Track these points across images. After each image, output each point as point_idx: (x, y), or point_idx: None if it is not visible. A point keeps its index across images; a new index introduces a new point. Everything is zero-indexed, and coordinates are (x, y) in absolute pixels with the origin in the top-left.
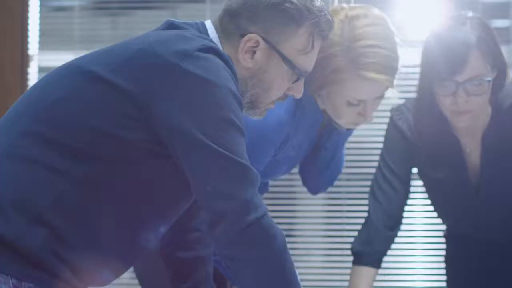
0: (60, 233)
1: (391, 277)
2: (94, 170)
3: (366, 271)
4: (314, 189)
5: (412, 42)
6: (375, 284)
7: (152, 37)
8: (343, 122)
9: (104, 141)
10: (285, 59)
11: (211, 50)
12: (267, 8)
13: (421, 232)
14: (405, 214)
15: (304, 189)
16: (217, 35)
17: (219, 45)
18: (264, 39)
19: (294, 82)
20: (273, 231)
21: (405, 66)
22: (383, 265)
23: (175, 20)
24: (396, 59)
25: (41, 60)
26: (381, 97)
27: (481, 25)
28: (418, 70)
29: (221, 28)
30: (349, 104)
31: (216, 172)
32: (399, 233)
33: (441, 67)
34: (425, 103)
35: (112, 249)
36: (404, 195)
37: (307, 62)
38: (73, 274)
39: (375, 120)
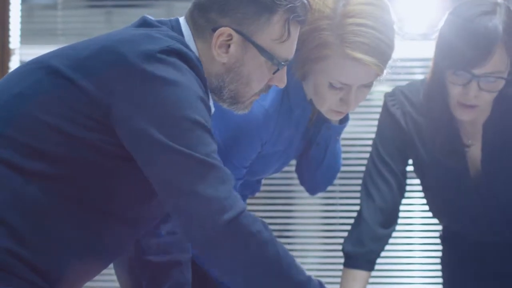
0: (18, 232)
1: (388, 280)
2: (52, 169)
3: (358, 274)
4: (311, 189)
5: (411, 35)
6: (369, 287)
7: (117, 35)
8: (325, 108)
9: (61, 140)
10: (261, 50)
11: (174, 52)
12: None
13: (420, 233)
14: (402, 214)
15: (300, 188)
16: (190, 32)
17: (191, 42)
18: (237, 31)
19: (274, 72)
20: (255, 228)
21: (401, 60)
22: (379, 267)
23: (150, 17)
24: (389, 45)
25: (23, 54)
26: (368, 86)
27: (510, 16)
28: (414, 64)
29: (192, 23)
30: (331, 86)
31: (180, 172)
32: (397, 234)
33: (460, 56)
34: (435, 90)
35: (76, 250)
36: (400, 189)
37: (286, 51)
38: (36, 274)
39: (371, 116)
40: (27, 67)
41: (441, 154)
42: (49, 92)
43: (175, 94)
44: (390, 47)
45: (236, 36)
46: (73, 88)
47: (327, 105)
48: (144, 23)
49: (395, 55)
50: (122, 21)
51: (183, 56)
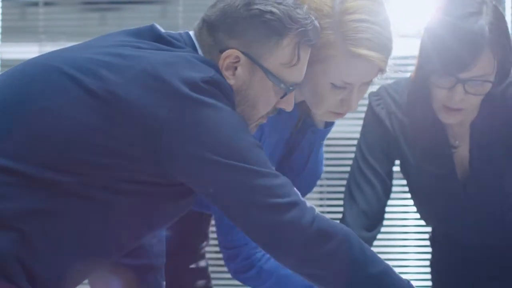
0: (29, 240)
1: None
2: (68, 182)
3: None
4: None
5: (404, 33)
6: None
7: (153, 57)
8: (323, 111)
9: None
10: (269, 74)
11: (216, 83)
12: (247, 21)
13: (414, 235)
14: (397, 216)
15: None
16: (201, 51)
17: None
18: (245, 54)
19: (282, 97)
20: (333, 225)
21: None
22: None
23: (161, 29)
24: (390, 39)
25: (3, 52)
26: (369, 83)
27: (497, 16)
28: (408, 62)
29: (200, 41)
30: (334, 87)
31: (251, 188)
32: (391, 236)
33: (445, 60)
34: (418, 92)
35: (77, 260)
36: (385, 192)
37: (295, 75)
38: (29, 284)
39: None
40: (49, 76)
41: (425, 161)
42: (87, 114)
43: (226, 118)
44: (391, 41)
45: (243, 59)
46: (115, 115)
47: (326, 107)
48: (161, 39)
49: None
50: (100, 17)
51: (223, 89)
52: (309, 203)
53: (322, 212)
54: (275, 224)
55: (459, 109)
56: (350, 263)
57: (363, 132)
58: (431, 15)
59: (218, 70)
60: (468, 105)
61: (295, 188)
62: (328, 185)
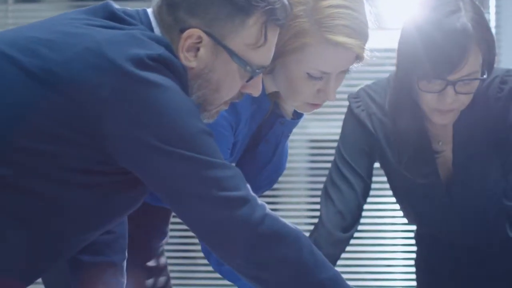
0: None
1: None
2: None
3: None
4: (254, 189)
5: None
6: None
7: (98, 34)
8: (299, 102)
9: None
10: (234, 55)
11: (163, 60)
12: None
13: (402, 234)
14: (379, 214)
15: (286, 186)
16: (159, 30)
17: None
18: (207, 33)
19: (248, 80)
20: (283, 225)
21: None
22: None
23: (115, 6)
24: (367, 25)
25: None
26: (346, 71)
27: (476, 10)
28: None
29: (159, 19)
30: (310, 77)
31: (197, 178)
32: (373, 234)
33: (432, 65)
34: (402, 100)
35: (21, 260)
36: (362, 193)
37: (262, 57)
38: None
39: None
40: None
41: (411, 170)
42: (24, 98)
43: (174, 100)
44: (368, 26)
45: (206, 39)
46: (54, 96)
47: (303, 98)
48: (114, 17)
49: (374, 45)
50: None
51: (173, 68)
52: (260, 200)
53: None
54: (223, 219)
55: (451, 110)
56: (299, 268)
57: (342, 135)
58: (406, 20)
59: (170, 49)
60: (459, 104)
61: (247, 184)
62: (311, 182)
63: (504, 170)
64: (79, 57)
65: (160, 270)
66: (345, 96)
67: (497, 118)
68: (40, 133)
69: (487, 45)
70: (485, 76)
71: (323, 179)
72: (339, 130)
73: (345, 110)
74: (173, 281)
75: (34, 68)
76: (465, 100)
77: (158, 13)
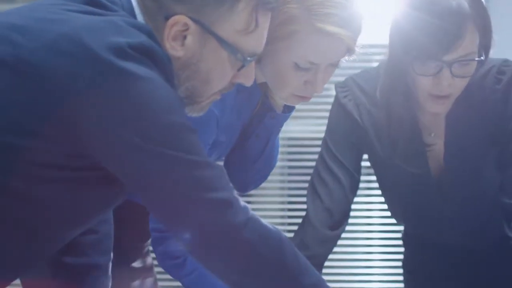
0: None
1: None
2: None
3: None
4: (243, 185)
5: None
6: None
7: (74, 20)
8: (286, 93)
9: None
10: (223, 42)
11: (145, 50)
12: None
13: (379, 234)
14: (362, 213)
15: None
16: (142, 17)
17: None
18: (194, 20)
19: (239, 69)
20: (267, 229)
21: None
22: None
23: None
24: (361, 15)
25: None
26: (336, 65)
27: None
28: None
29: (142, 6)
30: (297, 67)
31: (180, 178)
32: (357, 235)
33: (427, 45)
34: (395, 85)
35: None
36: (350, 188)
37: (253, 43)
38: None
39: None
40: None
41: (402, 160)
42: None
43: (156, 93)
44: (361, 19)
45: (193, 26)
46: (25, 85)
47: (290, 89)
48: (94, 2)
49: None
50: None
51: (155, 58)
52: (243, 202)
53: (298, 209)
54: (204, 221)
55: (447, 96)
56: (282, 273)
57: (329, 126)
58: (398, 2)
59: (152, 37)
60: (456, 89)
61: (230, 183)
62: (290, 181)
63: (501, 164)
64: (53, 44)
65: (147, 270)
66: (324, 93)
67: (495, 109)
68: (10, 124)
69: (484, 25)
70: (482, 58)
71: (301, 177)
72: (317, 128)
73: (324, 108)
74: (160, 283)
75: (5, 55)
76: (462, 84)
77: None
